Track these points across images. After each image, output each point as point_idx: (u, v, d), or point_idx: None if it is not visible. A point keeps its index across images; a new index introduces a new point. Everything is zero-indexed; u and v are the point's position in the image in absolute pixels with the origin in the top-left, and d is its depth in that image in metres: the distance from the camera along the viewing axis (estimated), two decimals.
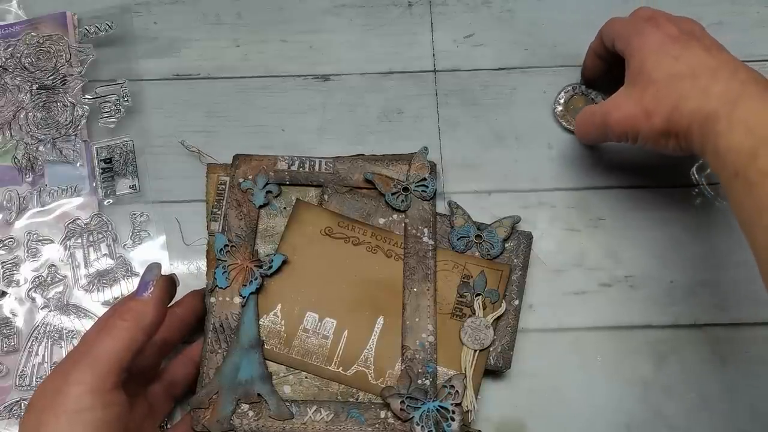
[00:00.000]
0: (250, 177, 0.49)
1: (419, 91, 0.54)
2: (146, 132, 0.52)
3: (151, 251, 0.50)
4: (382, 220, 0.48)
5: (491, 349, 0.46)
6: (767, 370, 0.48)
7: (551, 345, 0.48)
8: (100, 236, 0.50)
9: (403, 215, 0.48)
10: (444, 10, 0.56)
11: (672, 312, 0.49)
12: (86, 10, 0.54)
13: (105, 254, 0.50)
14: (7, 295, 0.49)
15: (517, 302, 0.47)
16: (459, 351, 0.46)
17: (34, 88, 0.52)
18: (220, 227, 0.47)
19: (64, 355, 0.47)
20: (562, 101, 0.53)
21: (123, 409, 0.37)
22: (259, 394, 0.44)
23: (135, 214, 0.50)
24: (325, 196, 0.49)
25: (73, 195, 0.50)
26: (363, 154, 0.50)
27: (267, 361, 0.45)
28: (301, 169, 0.49)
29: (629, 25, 0.44)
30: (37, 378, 0.47)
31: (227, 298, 0.46)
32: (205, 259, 0.47)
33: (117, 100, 0.52)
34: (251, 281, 0.45)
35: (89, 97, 0.52)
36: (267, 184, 0.48)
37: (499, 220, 0.49)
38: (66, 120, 0.52)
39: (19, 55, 0.53)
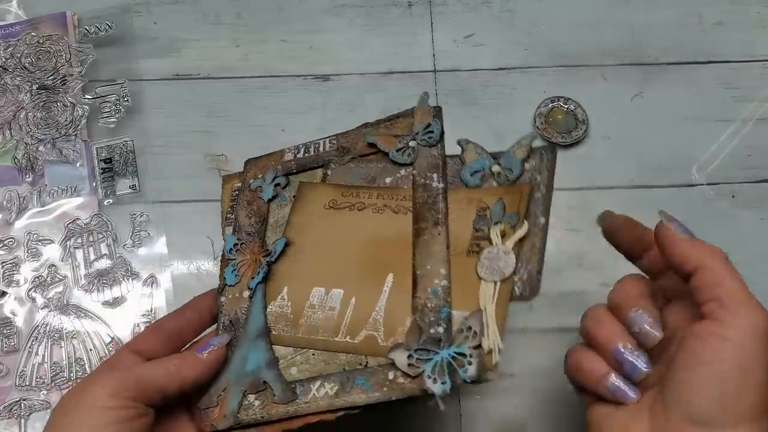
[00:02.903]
0: (260, 176, 0.48)
1: (419, 91, 0.53)
2: (146, 132, 0.52)
3: (151, 251, 0.50)
4: (389, 179, 0.46)
5: (516, 277, 0.39)
6: None
7: (551, 345, 0.48)
8: (100, 236, 0.50)
9: (411, 168, 0.45)
10: (444, 10, 0.56)
11: None
12: (86, 10, 0.54)
13: (105, 254, 0.50)
14: (7, 295, 0.49)
15: (542, 220, 0.41)
16: (478, 290, 0.39)
17: (34, 88, 0.52)
18: (232, 229, 0.47)
19: (63, 355, 0.47)
20: (543, 114, 0.52)
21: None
22: (264, 381, 0.43)
23: (135, 214, 0.50)
24: (328, 171, 0.47)
25: (73, 195, 0.50)
26: (366, 123, 0.47)
27: (274, 346, 0.43)
28: (306, 155, 0.48)
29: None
30: (36, 378, 0.47)
31: (237, 294, 0.45)
32: (219, 263, 0.47)
33: (117, 100, 0.52)
34: (258, 272, 0.45)
35: (89, 97, 0.52)
36: (275, 177, 0.48)
37: (518, 142, 0.44)
38: (66, 120, 0.52)
39: (19, 55, 0.53)
